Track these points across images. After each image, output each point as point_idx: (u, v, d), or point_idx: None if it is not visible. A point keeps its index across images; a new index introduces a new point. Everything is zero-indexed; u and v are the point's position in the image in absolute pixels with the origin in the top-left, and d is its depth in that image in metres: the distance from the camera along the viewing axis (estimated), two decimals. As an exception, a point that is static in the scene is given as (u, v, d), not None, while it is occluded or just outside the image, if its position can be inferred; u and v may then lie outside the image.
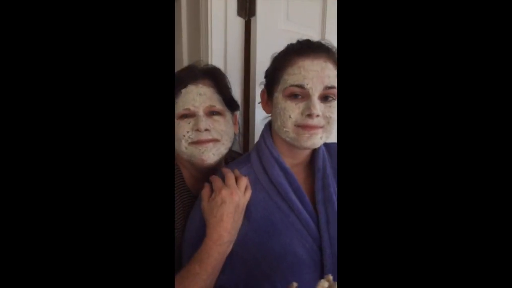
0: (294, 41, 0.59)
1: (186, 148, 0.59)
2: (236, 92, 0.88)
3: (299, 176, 0.60)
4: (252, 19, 0.88)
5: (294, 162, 0.60)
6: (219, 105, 0.62)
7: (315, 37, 1.01)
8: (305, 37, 0.93)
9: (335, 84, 0.52)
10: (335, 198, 0.56)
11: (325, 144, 0.65)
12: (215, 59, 0.85)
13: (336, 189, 0.58)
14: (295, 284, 0.35)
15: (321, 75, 0.51)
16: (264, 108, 0.62)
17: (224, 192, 0.51)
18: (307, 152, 0.60)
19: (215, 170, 0.62)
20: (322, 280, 0.35)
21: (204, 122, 0.59)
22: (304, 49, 0.54)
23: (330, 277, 0.36)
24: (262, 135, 0.61)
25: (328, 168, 0.60)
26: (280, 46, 0.60)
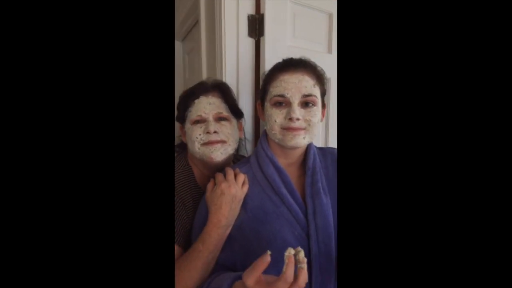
0: (301, 56, 0.70)
1: (199, 148, 0.71)
2: (247, 104, 1.00)
3: (293, 174, 0.69)
4: (262, 38, 0.99)
5: (287, 161, 0.69)
6: (225, 112, 0.74)
7: (321, 51, 1.11)
8: (311, 52, 1.03)
9: (312, 92, 0.63)
10: (322, 192, 0.64)
11: (321, 148, 0.74)
12: (229, 75, 0.97)
13: (324, 185, 0.66)
14: (269, 252, 0.44)
15: (299, 86, 0.62)
16: (260, 116, 0.73)
17: (224, 185, 0.62)
18: (298, 153, 0.69)
19: (224, 166, 0.73)
20: (289, 248, 0.43)
21: (213, 126, 0.70)
22: (286, 66, 0.65)
23: (299, 248, 0.44)
24: (259, 140, 0.72)
25: (318, 167, 0.68)
26: None
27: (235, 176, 0.65)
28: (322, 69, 0.68)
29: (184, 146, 0.81)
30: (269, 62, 0.97)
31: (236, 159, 0.85)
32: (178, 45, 1.92)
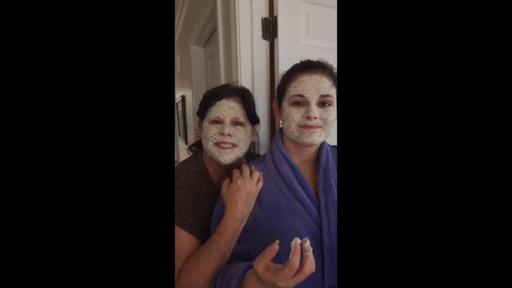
0: (315, 54, 0.73)
1: (211, 147, 0.76)
2: (262, 105, 1.03)
3: (307, 171, 0.71)
4: (275, 40, 1.02)
5: (301, 158, 0.71)
6: (242, 118, 0.78)
7: (334, 48, 1.11)
8: (326, 49, 1.04)
9: (329, 93, 0.65)
10: (334, 187, 0.66)
11: (333, 146, 0.76)
12: (244, 77, 1.01)
13: (336, 180, 0.67)
14: (277, 241, 0.47)
15: (317, 86, 0.64)
16: (276, 115, 0.76)
17: (240, 181, 0.65)
18: (312, 150, 0.71)
19: (234, 167, 0.77)
20: (296, 238, 0.46)
21: (228, 129, 0.75)
22: (304, 67, 0.68)
23: (305, 238, 0.47)
24: (274, 139, 0.75)
25: (331, 164, 0.70)
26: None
27: (251, 173, 0.69)
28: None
29: (200, 146, 0.86)
30: (283, 63, 0.99)
31: (251, 158, 0.89)
32: (200, 51, 2.00)
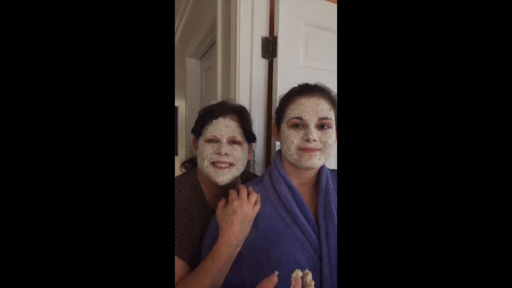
0: (313, 76, 0.73)
1: (207, 166, 0.73)
2: (259, 123, 1.02)
3: (306, 194, 0.69)
4: (274, 59, 1.02)
5: (300, 182, 0.70)
6: (239, 137, 0.76)
7: (333, 69, 1.12)
8: (323, 71, 1.05)
9: (328, 115, 0.64)
10: (335, 214, 0.64)
11: (333, 170, 0.75)
12: (242, 94, 1.00)
13: (337, 206, 0.66)
14: (276, 273, 0.44)
15: (316, 109, 0.64)
16: (275, 137, 0.75)
17: (236, 203, 0.63)
18: (312, 173, 0.70)
19: (229, 186, 0.74)
20: (297, 270, 0.43)
21: (225, 148, 0.73)
22: (302, 90, 0.68)
23: (307, 271, 0.45)
24: (273, 160, 0.73)
25: (331, 188, 0.68)
26: (300, 82, 0.72)
27: (248, 194, 0.66)
28: (336, 94, 0.70)
29: (194, 162, 0.83)
30: (281, 82, 1.00)
31: (247, 178, 0.87)
32: (196, 63, 2.00)
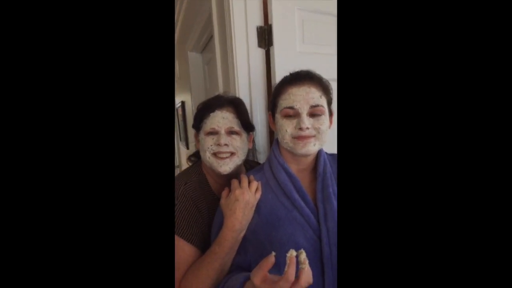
0: (311, 61, 0.72)
1: (209, 158, 0.77)
2: (260, 112, 1.04)
3: (305, 179, 0.72)
4: (271, 48, 1.02)
5: (299, 167, 0.72)
6: (237, 127, 0.79)
7: (331, 53, 1.12)
8: (321, 55, 1.04)
9: (319, 103, 0.66)
10: (333, 197, 0.66)
11: (331, 154, 0.77)
12: (241, 85, 1.02)
13: (335, 190, 0.68)
14: (273, 253, 0.48)
15: (306, 97, 0.65)
16: (271, 127, 0.77)
17: (238, 192, 0.66)
18: (309, 159, 0.72)
19: (233, 175, 0.77)
20: (291, 250, 0.46)
21: (224, 139, 0.76)
22: (293, 79, 0.69)
23: (301, 250, 0.47)
24: (272, 148, 0.76)
25: (329, 172, 0.70)
26: (297, 68, 0.73)
27: (249, 183, 0.70)
28: (327, 80, 0.71)
29: (199, 155, 0.87)
30: (279, 70, 1.00)
31: (250, 166, 0.90)
32: (198, 57, 2.02)
